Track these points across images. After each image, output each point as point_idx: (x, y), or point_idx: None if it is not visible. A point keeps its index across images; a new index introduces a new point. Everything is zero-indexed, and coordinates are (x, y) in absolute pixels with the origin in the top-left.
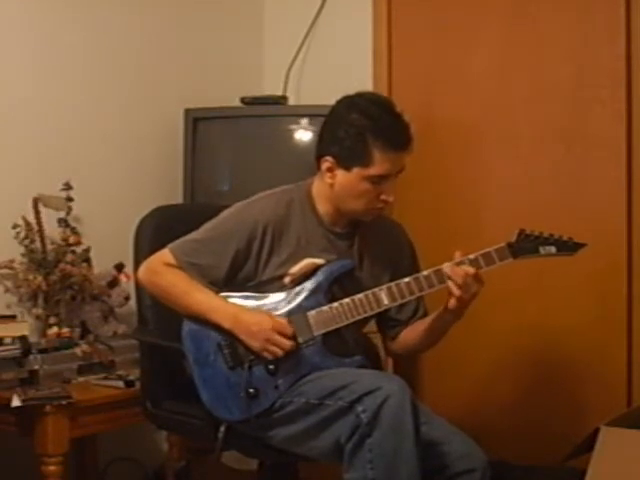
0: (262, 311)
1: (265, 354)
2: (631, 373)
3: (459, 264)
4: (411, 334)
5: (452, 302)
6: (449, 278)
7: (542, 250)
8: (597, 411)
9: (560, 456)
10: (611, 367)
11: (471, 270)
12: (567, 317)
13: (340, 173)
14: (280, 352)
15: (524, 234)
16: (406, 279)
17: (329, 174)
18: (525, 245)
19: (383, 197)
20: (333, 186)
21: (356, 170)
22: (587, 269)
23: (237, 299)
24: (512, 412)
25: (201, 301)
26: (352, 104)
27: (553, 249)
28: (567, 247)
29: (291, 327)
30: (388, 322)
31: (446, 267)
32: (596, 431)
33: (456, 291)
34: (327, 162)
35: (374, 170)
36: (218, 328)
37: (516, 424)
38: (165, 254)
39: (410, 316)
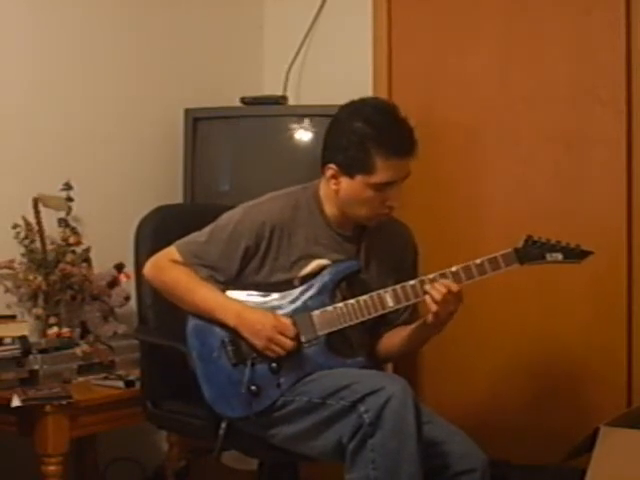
0: (266, 310)
1: (268, 353)
2: (631, 373)
3: (448, 276)
4: (392, 338)
5: (430, 317)
6: (426, 293)
7: (549, 257)
8: (597, 411)
9: (560, 456)
10: (611, 367)
11: (454, 287)
12: (567, 317)
13: (344, 180)
14: (282, 352)
15: (531, 240)
16: (411, 282)
17: (333, 181)
18: (532, 251)
19: (388, 203)
20: (338, 192)
21: (359, 178)
22: (587, 269)
23: (242, 297)
24: (512, 412)
25: (206, 298)
26: (355, 111)
27: (560, 256)
28: (574, 255)
29: (294, 328)
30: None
31: (427, 282)
32: (596, 431)
33: (433, 307)
34: (331, 170)
35: (377, 178)
36: (223, 325)
37: (516, 424)
38: (172, 252)
39: (399, 319)
